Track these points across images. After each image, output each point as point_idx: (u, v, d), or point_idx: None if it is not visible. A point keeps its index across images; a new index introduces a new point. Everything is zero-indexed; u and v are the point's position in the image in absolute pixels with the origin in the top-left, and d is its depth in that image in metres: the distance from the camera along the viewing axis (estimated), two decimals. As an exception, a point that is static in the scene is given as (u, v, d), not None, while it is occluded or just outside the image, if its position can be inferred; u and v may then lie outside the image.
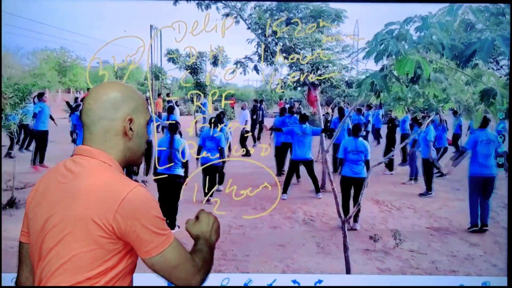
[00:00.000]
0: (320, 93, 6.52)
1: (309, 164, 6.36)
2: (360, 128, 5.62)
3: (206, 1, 5.46)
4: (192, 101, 9.01)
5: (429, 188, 6.54)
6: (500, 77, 4.62)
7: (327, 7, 5.18)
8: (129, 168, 6.08)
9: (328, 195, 6.11)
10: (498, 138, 5.48)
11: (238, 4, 5.61)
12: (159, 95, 8.60)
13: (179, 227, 5.19)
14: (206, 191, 5.33)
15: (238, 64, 5.99)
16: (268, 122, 8.62)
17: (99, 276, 1.29)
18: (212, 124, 5.94)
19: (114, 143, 1.42)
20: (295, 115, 6.99)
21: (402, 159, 7.80)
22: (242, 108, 7.81)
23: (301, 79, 5.98)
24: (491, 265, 4.65)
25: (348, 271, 4.48)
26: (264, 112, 8.73)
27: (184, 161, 5.26)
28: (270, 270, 4.51)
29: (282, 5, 5.39)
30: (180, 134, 5.67)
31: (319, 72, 6.27)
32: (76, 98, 7.81)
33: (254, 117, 8.24)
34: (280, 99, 9.30)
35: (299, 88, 7.50)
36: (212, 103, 8.52)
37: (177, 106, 8.08)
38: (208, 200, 5.90)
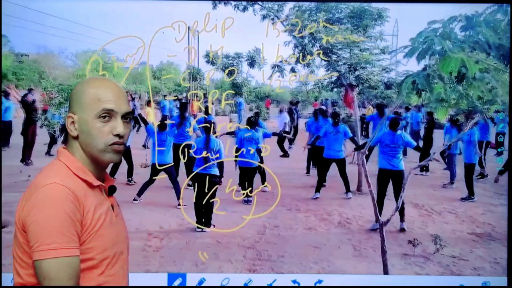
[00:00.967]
0: (358, 94, 6.43)
1: (341, 163, 6.28)
2: (398, 122, 5.50)
3: (244, 3, 5.49)
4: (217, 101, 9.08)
5: (471, 192, 6.31)
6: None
7: (369, 6, 5.10)
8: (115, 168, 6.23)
9: (365, 197, 6.01)
10: None
11: (275, 6, 5.62)
12: (196, 96, 8.70)
13: (214, 226, 5.24)
14: (248, 192, 5.39)
15: (276, 67, 5.99)
16: (303, 125, 8.59)
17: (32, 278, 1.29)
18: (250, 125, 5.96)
19: (71, 142, 1.43)
20: (328, 118, 6.88)
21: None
22: (281, 111, 7.80)
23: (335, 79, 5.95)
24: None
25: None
26: (299, 114, 8.69)
27: (219, 161, 5.29)
28: (305, 272, 4.48)
29: (321, 5, 5.35)
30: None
31: (356, 72, 6.20)
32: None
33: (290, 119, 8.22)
34: (315, 100, 9.23)
35: (335, 89, 7.42)
36: (247, 103, 8.55)
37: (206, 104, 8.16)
38: (249, 201, 5.95)
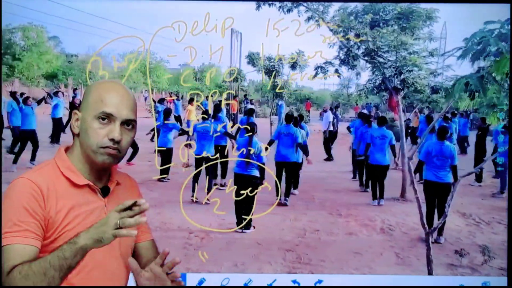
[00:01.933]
0: (402, 98, 6.27)
1: (383, 169, 6.14)
2: (447, 130, 5.28)
3: (289, 5, 5.48)
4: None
5: None
6: None
7: (417, 7, 4.96)
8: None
9: (409, 204, 5.85)
10: None
11: (321, 7, 5.57)
12: (234, 97, 8.77)
13: (254, 227, 5.23)
14: (284, 190, 5.36)
15: (319, 69, 5.93)
16: (343, 128, 8.46)
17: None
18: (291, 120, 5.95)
19: (74, 139, 1.46)
20: (373, 123, 6.72)
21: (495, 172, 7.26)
22: (325, 110, 7.72)
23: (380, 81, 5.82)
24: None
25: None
26: (339, 118, 8.57)
27: (263, 163, 5.28)
28: (345, 278, 4.41)
29: (367, 6, 5.26)
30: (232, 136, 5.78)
31: (402, 76, 6.04)
32: (161, 100, 8.19)
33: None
34: (356, 104, 9.09)
35: (379, 93, 7.27)
36: (287, 106, 8.51)
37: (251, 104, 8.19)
38: (285, 200, 5.91)
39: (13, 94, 7.35)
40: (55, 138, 7.66)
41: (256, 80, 8.63)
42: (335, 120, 8.08)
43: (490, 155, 6.36)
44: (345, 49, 5.70)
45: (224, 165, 6.34)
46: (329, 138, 7.68)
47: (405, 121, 6.83)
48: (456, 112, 7.85)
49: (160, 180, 6.51)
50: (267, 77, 7.44)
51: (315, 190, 6.56)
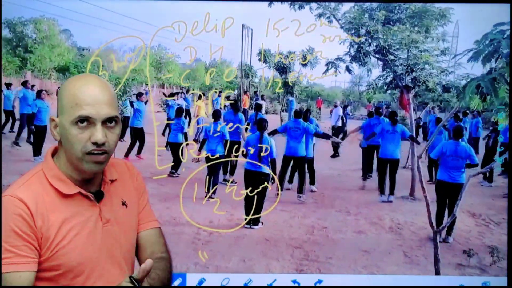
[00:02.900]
0: (413, 96, 6.23)
1: (394, 164, 6.11)
2: (462, 130, 5.25)
3: (300, 2, 5.46)
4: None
5: None
6: None
7: (432, 6, 4.92)
8: None
9: (418, 203, 5.82)
10: None
11: (332, 4, 5.54)
12: (245, 92, 8.78)
13: (262, 223, 5.26)
14: (298, 185, 5.37)
15: (330, 65, 5.91)
16: (355, 124, 8.42)
17: None
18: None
19: (59, 145, 1.35)
20: (382, 116, 6.73)
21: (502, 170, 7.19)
22: (335, 106, 7.70)
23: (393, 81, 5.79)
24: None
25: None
26: (348, 116, 8.53)
27: (271, 159, 5.29)
28: (353, 275, 4.41)
29: (382, 4, 5.22)
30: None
31: (413, 74, 6.00)
32: (172, 93, 8.23)
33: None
34: (368, 102, 9.04)
35: (389, 91, 7.23)
36: (298, 103, 8.50)
37: (263, 100, 8.18)
38: (299, 197, 5.92)
39: (24, 83, 7.43)
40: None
41: (268, 76, 8.63)
42: (345, 119, 8.05)
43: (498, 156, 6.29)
44: (356, 46, 5.67)
45: (233, 161, 6.36)
46: (337, 134, 7.66)
47: (415, 119, 6.79)
48: (467, 111, 7.77)
49: (170, 175, 6.56)
50: (278, 74, 7.45)
51: (325, 188, 6.56)
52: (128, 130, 7.35)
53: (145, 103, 7.64)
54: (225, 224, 5.26)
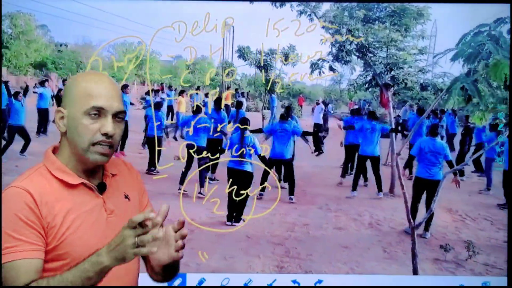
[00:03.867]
0: (393, 94, 6.32)
1: (375, 161, 6.21)
2: (438, 128, 5.38)
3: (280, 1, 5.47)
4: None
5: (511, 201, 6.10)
6: None
7: (410, 5, 4.99)
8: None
9: (398, 200, 5.92)
10: None
11: (313, 2, 5.57)
12: (228, 88, 8.74)
13: (244, 220, 5.26)
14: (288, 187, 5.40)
15: (314, 66, 5.93)
16: (334, 123, 8.50)
17: None
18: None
19: (61, 138, 1.38)
20: (363, 116, 6.82)
21: (475, 168, 7.39)
22: (317, 103, 7.75)
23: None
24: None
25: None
26: (331, 113, 8.61)
27: (259, 155, 5.27)
28: (334, 271, 4.46)
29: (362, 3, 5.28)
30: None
31: (393, 73, 6.09)
32: (153, 90, 8.16)
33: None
34: (350, 100, 9.14)
35: (370, 89, 7.32)
36: (280, 101, 8.52)
37: (243, 97, 8.17)
38: (291, 199, 5.95)
39: (6, 84, 7.26)
40: (41, 129, 7.58)
41: (249, 74, 8.63)
42: (327, 116, 8.12)
43: (473, 153, 6.45)
44: (338, 45, 5.72)
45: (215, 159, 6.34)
46: (318, 131, 7.72)
47: (395, 117, 6.89)
48: (444, 110, 7.93)
49: (148, 172, 6.52)
50: (260, 72, 7.45)
51: (306, 185, 6.61)
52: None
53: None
54: (206, 222, 5.25)
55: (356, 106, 8.03)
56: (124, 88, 7.45)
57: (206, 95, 7.51)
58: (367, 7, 5.20)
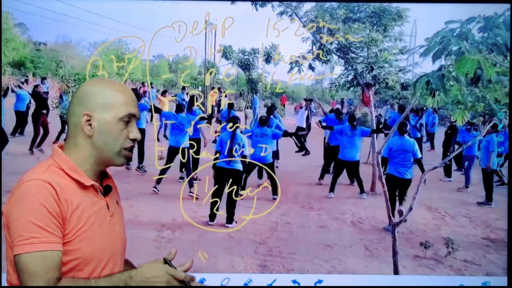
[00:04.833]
0: (374, 94, 6.38)
1: (354, 166, 6.25)
2: (406, 126, 5.47)
3: (261, 1, 5.47)
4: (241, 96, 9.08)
5: (489, 198, 6.22)
6: None
7: (389, 6, 5.06)
8: None
9: (378, 198, 5.99)
10: None
11: (294, 2, 5.59)
12: (212, 88, 8.72)
13: (236, 222, 5.24)
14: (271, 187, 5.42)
15: (293, 64, 5.95)
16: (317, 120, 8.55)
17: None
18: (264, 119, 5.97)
19: (78, 140, 1.38)
20: (343, 120, 6.83)
21: (457, 166, 7.51)
22: (300, 107, 7.78)
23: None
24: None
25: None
26: (313, 112, 8.65)
27: (244, 154, 5.27)
28: (316, 270, 4.49)
29: (342, 3, 5.31)
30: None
31: (373, 72, 6.15)
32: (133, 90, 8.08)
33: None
34: (332, 99, 9.19)
35: (351, 88, 7.37)
36: (263, 100, 8.52)
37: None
38: (274, 198, 5.94)
39: None
40: (18, 130, 7.45)
41: (232, 73, 8.60)
42: (309, 113, 8.14)
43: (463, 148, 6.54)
44: (318, 44, 5.75)
45: (196, 158, 6.32)
46: (299, 133, 7.75)
47: (376, 116, 6.96)
48: (424, 108, 8.05)
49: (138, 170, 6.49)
50: (242, 71, 7.44)
51: (288, 184, 6.63)
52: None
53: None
54: (188, 223, 5.22)
55: (338, 106, 8.08)
56: (164, 93, 7.41)
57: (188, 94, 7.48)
58: (348, 8, 5.25)
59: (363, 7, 5.26)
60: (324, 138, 7.25)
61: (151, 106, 6.81)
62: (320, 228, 5.40)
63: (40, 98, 7.09)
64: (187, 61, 8.94)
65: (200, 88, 8.16)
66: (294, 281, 4.13)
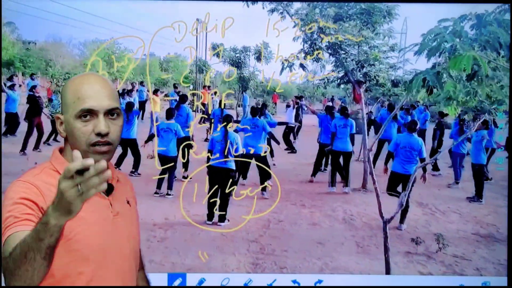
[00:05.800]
0: (365, 91, 6.41)
1: (347, 156, 6.30)
2: (416, 124, 5.53)
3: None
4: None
5: (479, 195, 6.26)
6: None
7: (379, 4, 5.08)
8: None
9: (370, 195, 6.02)
10: None
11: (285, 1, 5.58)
12: (204, 87, 8.69)
13: (228, 220, 5.24)
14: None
15: (283, 63, 5.95)
16: (308, 119, 8.56)
17: None
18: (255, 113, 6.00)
19: (66, 143, 1.40)
20: (336, 115, 6.86)
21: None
22: (288, 106, 7.79)
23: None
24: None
25: (388, 273, 4.41)
26: (305, 110, 8.65)
27: (236, 154, 5.28)
28: (309, 267, 4.51)
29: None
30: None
31: (364, 70, 6.18)
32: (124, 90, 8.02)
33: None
34: (324, 96, 9.21)
35: (342, 86, 7.39)
36: (254, 98, 8.52)
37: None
38: (262, 194, 5.94)
39: None
40: (9, 131, 7.39)
41: (223, 71, 8.59)
42: (300, 110, 8.14)
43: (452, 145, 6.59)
44: (309, 42, 5.76)
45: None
46: (289, 132, 7.78)
47: (367, 113, 6.98)
48: (415, 105, 8.08)
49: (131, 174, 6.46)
50: (233, 69, 7.42)
51: (280, 182, 6.62)
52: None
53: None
54: (181, 221, 5.21)
55: (330, 103, 8.10)
56: (155, 92, 7.33)
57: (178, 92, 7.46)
58: (338, 6, 5.26)
59: (353, 4, 5.28)
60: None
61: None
62: (312, 225, 5.42)
63: (35, 100, 7.04)
64: (178, 59, 8.91)
65: (191, 87, 8.13)
66: (294, 281, 4.14)
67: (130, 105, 6.73)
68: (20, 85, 7.59)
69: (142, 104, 8.18)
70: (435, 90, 4.44)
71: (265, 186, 5.94)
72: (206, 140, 7.12)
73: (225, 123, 5.26)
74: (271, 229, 5.23)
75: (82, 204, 1.09)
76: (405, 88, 5.98)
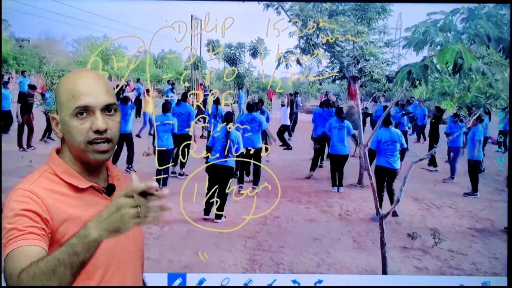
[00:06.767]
0: (360, 87, 6.41)
1: (342, 159, 6.27)
2: (390, 118, 5.61)
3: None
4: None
5: (475, 189, 6.29)
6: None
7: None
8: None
9: (366, 190, 6.02)
10: None
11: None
12: (200, 84, 8.66)
13: (225, 217, 5.23)
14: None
15: (280, 59, 5.93)
16: (303, 116, 8.56)
17: None
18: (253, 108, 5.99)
19: (63, 144, 1.37)
20: (331, 108, 6.89)
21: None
22: (283, 105, 7.79)
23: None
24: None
25: (384, 268, 4.42)
26: (300, 107, 8.65)
27: (237, 154, 5.26)
28: (305, 263, 4.52)
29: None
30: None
31: (359, 65, 6.17)
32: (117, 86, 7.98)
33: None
34: (319, 92, 9.20)
35: (337, 82, 7.39)
36: (250, 94, 8.52)
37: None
38: (253, 188, 5.93)
39: None
40: (5, 130, 7.33)
41: (218, 68, 8.56)
42: (295, 106, 8.14)
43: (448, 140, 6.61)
44: (305, 38, 5.75)
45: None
46: (284, 130, 7.79)
47: (362, 109, 6.98)
48: (411, 100, 8.10)
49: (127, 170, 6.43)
50: (229, 66, 7.41)
51: (277, 178, 6.62)
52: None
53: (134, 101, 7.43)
54: (177, 219, 5.19)
55: (324, 98, 8.09)
56: (147, 92, 7.26)
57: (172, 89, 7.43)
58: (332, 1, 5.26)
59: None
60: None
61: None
62: (309, 221, 5.42)
63: (25, 97, 7.00)
64: (172, 56, 8.86)
65: (186, 84, 8.10)
66: (294, 281, 4.15)
67: (125, 98, 6.70)
68: (7, 81, 7.51)
69: (139, 102, 8.14)
70: (418, 84, 4.43)
71: (257, 181, 5.93)
72: (202, 137, 7.10)
73: (226, 122, 5.24)
74: (267, 226, 5.23)
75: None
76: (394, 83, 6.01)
